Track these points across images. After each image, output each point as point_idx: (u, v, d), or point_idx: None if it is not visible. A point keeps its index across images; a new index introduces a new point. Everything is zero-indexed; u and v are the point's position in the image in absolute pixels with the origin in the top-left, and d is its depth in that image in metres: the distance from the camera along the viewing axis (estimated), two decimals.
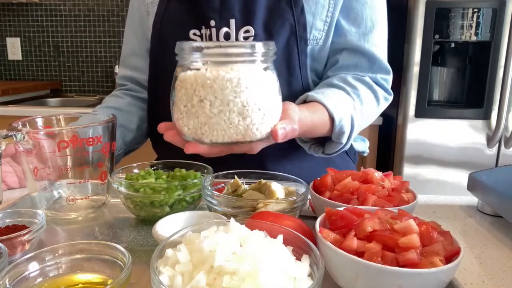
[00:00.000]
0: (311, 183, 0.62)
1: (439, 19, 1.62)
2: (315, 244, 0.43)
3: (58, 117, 0.71)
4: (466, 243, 0.59)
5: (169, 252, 0.41)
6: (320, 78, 0.86)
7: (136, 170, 0.71)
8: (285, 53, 0.79)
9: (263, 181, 0.62)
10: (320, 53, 0.82)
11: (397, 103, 1.77)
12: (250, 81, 0.50)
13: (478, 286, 0.48)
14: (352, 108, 0.76)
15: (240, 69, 0.50)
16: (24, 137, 0.59)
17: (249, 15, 0.78)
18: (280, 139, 0.55)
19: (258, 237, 0.42)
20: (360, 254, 0.41)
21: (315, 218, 0.50)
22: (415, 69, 1.68)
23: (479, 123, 1.71)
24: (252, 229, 0.44)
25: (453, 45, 1.73)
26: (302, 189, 0.62)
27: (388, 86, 0.86)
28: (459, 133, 1.72)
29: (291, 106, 0.61)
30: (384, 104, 0.86)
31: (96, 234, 0.61)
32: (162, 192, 0.61)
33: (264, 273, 0.36)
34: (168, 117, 0.60)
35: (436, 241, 0.43)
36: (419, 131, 1.73)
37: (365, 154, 1.02)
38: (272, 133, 0.54)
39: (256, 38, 0.78)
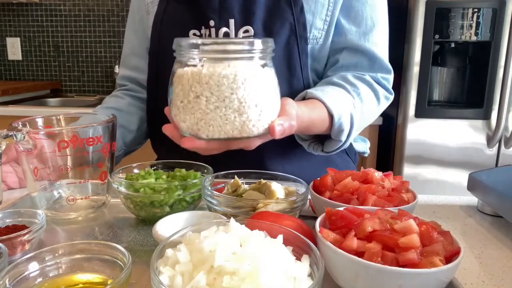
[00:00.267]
0: (311, 183, 0.62)
1: (439, 19, 1.62)
2: (315, 244, 0.43)
3: (58, 117, 0.72)
4: (466, 243, 0.59)
5: (169, 252, 0.41)
6: (321, 78, 0.86)
7: (136, 170, 0.71)
8: (286, 53, 0.79)
9: (263, 181, 0.62)
10: (320, 52, 0.82)
11: (397, 103, 1.77)
12: (247, 77, 0.50)
13: (478, 286, 0.48)
14: (351, 106, 0.76)
15: (237, 65, 0.50)
16: (24, 137, 0.59)
17: (249, 15, 0.78)
18: (278, 136, 0.54)
19: (258, 237, 0.42)
20: (360, 254, 0.41)
21: (315, 218, 0.50)
22: (415, 69, 1.68)
23: (479, 123, 1.71)
24: (252, 229, 0.44)
25: (453, 45, 1.73)
26: (302, 189, 0.62)
27: (389, 85, 0.86)
28: (459, 133, 1.72)
29: (289, 101, 0.61)
30: (384, 103, 0.85)
31: (96, 234, 0.61)
32: (162, 192, 0.61)
33: (264, 273, 0.36)
34: (167, 117, 0.60)
35: (436, 241, 0.43)
36: (419, 131, 1.73)
37: (366, 155, 1.02)
38: (270, 130, 0.54)
39: (255, 37, 0.78)
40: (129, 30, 0.95)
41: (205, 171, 0.70)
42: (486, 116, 1.70)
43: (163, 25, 0.84)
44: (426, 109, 1.71)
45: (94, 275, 0.46)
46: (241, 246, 0.41)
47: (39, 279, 0.44)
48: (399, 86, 1.75)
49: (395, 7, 1.76)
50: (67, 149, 0.62)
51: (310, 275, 0.41)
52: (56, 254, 0.45)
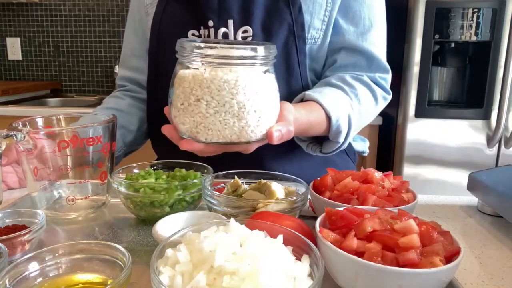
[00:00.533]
0: (311, 183, 0.62)
1: (439, 19, 1.62)
2: (315, 244, 0.43)
3: (58, 117, 0.72)
4: (466, 243, 0.59)
5: (169, 252, 0.41)
6: (319, 78, 0.86)
7: (136, 170, 0.71)
8: (284, 53, 0.79)
9: (263, 181, 0.62)
10: (318, 52, 0.82)
11: (397, 103, 1.77)
12: (248, 83, 0.50)
13: (478, 286, 0.48)
14: (349, 107, 0.76)
15: (239, 71, 0.50)
16: (24, 137, 0.59)
17: (247, 15, 0.78)
18: (276, 142, 0.55)
19: (258, 237, 0.42)
20: (360, 254, 0.41)
21: (315, 218, 0.50)
22: (415, 69, 1.68)
23: (479, 123, 1.70)
24: (252, 229, 0.44)
25: (453, 45, 1.73)
26: (302, 189, 0.62)
27: (387, 85, 0.86)
28: (459, 133, 1.72)
29: (287, 106, 0.61)
30: (382, 104, 0.86)
31: (96, 234, 0.61)
32: (162, 192, 0.61)
33: (264, 273, 0.36)
34: (167, 117, 0.60)
35: (436, 241, 0.43)
36: (419, 131, 1.73)
37: (365, 154, 1.02)
38: (268, 135, 0.54)
39: (254, 38, 0.78)
40: (129, 30, 0.95)
41: (205, 171, 0.70)
42: (486, 116, 1.70)
43: (162, 25, 0.84)
44: (426, 109, 1.71)
45: (94, 275, 0.46)
46: (241, 246, 0.41)
47: (39, 279, 0.44)
48: (399, 86, 1.75)
49: (395, 7, 1.76)
50: (67, 149, 0.62)
51: (310, 275, 0.41)
52: (56, 254, 0.45)
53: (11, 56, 2.52)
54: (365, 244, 0.42)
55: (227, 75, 0.50)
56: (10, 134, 0.58)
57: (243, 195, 0.61)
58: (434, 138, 1.73)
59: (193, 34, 0.81)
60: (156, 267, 0.40)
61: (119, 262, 0.45)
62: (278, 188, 0.60)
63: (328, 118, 0.71)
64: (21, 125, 0.64)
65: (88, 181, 0.66)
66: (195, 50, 0.51)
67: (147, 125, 0.94)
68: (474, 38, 1.64)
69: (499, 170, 0.77)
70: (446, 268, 0.39)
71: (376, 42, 0.83)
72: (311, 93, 0.72)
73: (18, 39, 2.49)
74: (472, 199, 0.74)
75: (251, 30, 0.78)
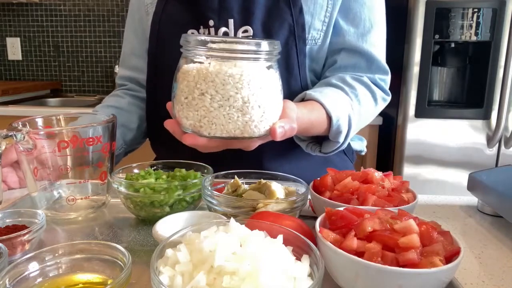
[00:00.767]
0: (311, 183, 0.62)
1: (439, 19, 1.62)
2: (315, 244, 0.43)
3: (58, 117, 0.72)
4: (466, 243, 0.59)
5: (169, 252, 0.41)
6: (319, 78, 0.86)
7: (136, 170, 0.71)
8: (284, 53, 0.79)
9: (263, 181, 0.62)
10: (318, 53, 0.82)
11: (397, 103, 1.77)
12: (252, 78, 0.50)
13: (478, 286, 0.48)
14: (349, 107, 0.76)
15: (244, 65, 0.50)
16: (24, 137, 0.59)
17: (248, 15, 0.78)
18: (279, 138, 0.55)
19: (258, 237, 0.42)
20: (360, 254, 0.41)
21: (315, 218, 0.50)
22: (415, 69, 1.68)
23: (479, 123, 1.71)
24: (252, 229, 0.44)
25: (453, 45, 1.73)
26: (302, 189, 0.62)
27: (386, 86, 0.86)
28: (459, 133, 1.72)
29: (289, 104, 0.61)
30: (382, 105, 0.86)
31: (96, 234, 0.61)
32: (162, 192, 0.61)
33: (264, 273, 0.36)
34: (167, 117, 0.60)
35: (436, 241, 0.43)
36: (419, 131, 1.73)
37: (363, 153, 1.03)
38: (271, 132, 0.54)
39: (254, 37, 0.78)
40: (129, 30, 0.95)
41: (205, 171, 0.70)
42: (486, 116, 1.70)
43: (161, 25, 0.84)
44: (426, 109, 1.71)
45: (94, 275, 0.46)
46: (241, 246, 0.41)
47: (39, 279, 0.44)
48: (399, 86, 1.75)
49: (395, 7, 1.76)
50: (67, 149, 0.62)
51: (310, 275, 0.41)
52: (56, 254, 0.45)
53: (11, 56, 2.52)
54: (365, 244, 0.42)
55: (232, 69, 0.50)
56: (10, 134, 0.58)
57: (243, 195, 0.61)
58: (434, 138, 1.73)
59: (192, 34, 0.81)
60: (156, 267, 0.40)
61: (119, 262, 0.45)
62: (278, 188, 0.60)
63: (329, 118, 0.72)
64: (21, 125, 0.64)
65: (88, 181, 0.66)
66: (200, 44, 0.51)
67: (146, 124, 0.94)
68: (474, 38, 1.64)
69: (499, 170, 0.77)
70: (446, 268, 0.39)
71: (376, 44, 0.83)
72: (312, 92, 0.72)
73: (18, 39, 2.49)
74: (472, 199, 0.74)
75: (251, 30, 0.78)
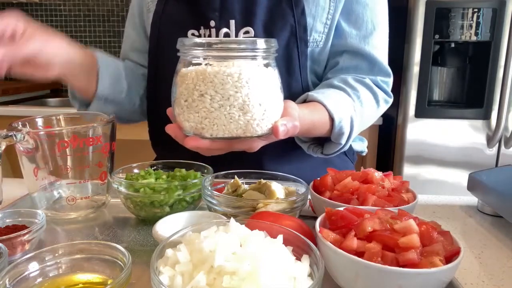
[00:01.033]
0: (311, 183, 0.62)
1: (439, 19, 1.62)
2: (315, 244, 0.43)
3: (58, 117, 0.72)
4: (466, 243, 0.59)
5: (169, 252, 0.41)
6: (320, 80, 0.86)
7: (136, 170, 0.71)
8: (285, 55, 0.79)
9: (263, 181, 0.62)
10: (320, 55, 0.82)
11: (397, 103, 1.77)
12: (251, 76, 0.50)
13: (478, 286, 0.48)
14: (352, 109, 0.76)
15: (242, 64, 0.50)
16: (24, 137, 0.59)
17: (249, 16, 0.78)
18: (281, 136, 0.54)
19: (258, 237, 0.43)
20: (360, 254, 0.41)
21: (315, 218, 0.50)
22: (415, 69, 1.68)
23: (479, 123, 1.71)
24: (252, 229, 0.44)
25: (453, 45, 1.73)
26: (302, 189, 0.62)
27: (388, 88, 0.86)
28: (459, 133, 1.72)
29: (291, 104, 0.61)
30: (384, 107, 0.85)
31: (96, 234, 0.61)
32: (162, 192, 0.61)
33: (264, 273, 0.36)
34: (167, 117, 0.60)
35: (436, 241, 0.43)
36: (419, 131, 1.73)
37: (364, 154, 1.03)
38: (273, 130, 0.54)
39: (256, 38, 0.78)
40: (129, 26, 0.95)
41: (205, 171, 0.70)
42: (486, 116, 1.70)
43: (161, 25, 0.84)
44: (426, 109, 1.71)
45: (94, 275, 0.46)
46: (241, 246, 0.41)
47: (39, 279, 0.44)
48: (399, 86, 1.75)
49: (395, 7, 1.76)
50: (67, 149, 0.62)
51: (310, 275, 0.41)
52: (56, 254, 0.45)
53: None
54: (365, 244, 0.42)
55: (231, 68, 0.50)
56: (10, 134, 0.58)
57: (243, 195, 0.61)
58: (434, 138, 1.73)
59: (192, 34, 0.81)
60: (156, 267, 0.40)
61: (119, 262, 0.45)
62: (278, 188, 0.60)
63: (331, 119, 0.71)
64: (21, 125, 0.64)
65: (88, 181, 0.66)
66: (197, 46, 0.51)
67: (148, 125, 0.94)
68: (474, 38, 1.64)
69: (499, 170, 0.77)
70: (446, 268, 0.39)
71: (379, 46, 0.83)
72: (314, 94, 0.72)
73: None
74: (472, 199, 0.74)
75: (253, 31, 0.78)
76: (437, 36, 1.64)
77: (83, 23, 2.46)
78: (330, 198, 0.57)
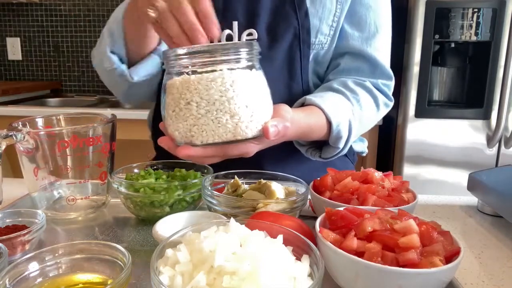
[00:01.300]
0: (311, 183, 0.62)
1: (439, 19, 1.62)
2: (315, 244, 0.43)
3: (58, 117, 0.72)
4: (466, 243, 0.59)
5: (169, 252, 0.41)
6: (322, 81, 0.86)
7: (136, 170, 0.71)
8: (287, 57, 0.79)
9: (263, 181, 0.62)
10: (324, 57, 0.82)
11: (397, 103, 1.77)
12: (235, 79, 0.51)
13: (478, 286, 0.48)
14: (350, 113, 0.75)
15: (224, 68, 0.51)
16: (24, 137, 0.59)
17: (253, 17, 0.77)
18: (272, 137, 0.54)
19: (258, 237, 0.43)
20: (360, 254, 0.41)
21: (315, 218, 0.50)
22: (415, 69, 1.68)
23: (479, 123, 1.71)
24: (252, 229, 0.44)
25: (453, 45, 1.73)
26: (302, 189, 0.62)
27: (390, 92, 0.85)
28: (459, 133, 1.72)
29: (284, 107, 0.61)
30: (384, 110, 0.85)
31: (96, 234, 0.61)
32: (162, 192, 0.61)
33: (264, 273, 0.36)
34: None
35: (436, 241, 0.43)
36: (419, 131, 1.73)
37: (364, 154, 1.03)
38: (264, 131, 0.53)
39: (259, 41, 0.77)
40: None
41: (205, 171, 0.70)
42: (486, 116, 1.70)
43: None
44: (426, 109, 1.71)
45: (94, 275, 0.46)
46: (241, 246, 0.41)
47: (39, 279, 0.44)
48: (399, 86, 1.75)
49: (395, 7, 1.76)
50: (67, 149, 0.62)
51: (310, 275, 0.41)
52: (56, 254, 0.45)
53: (11, 56, 2.52)
54: (365, 244, 0.42)
55: (213, 73, 0.50)
56: (10, 134, 0.58)
57: (243, 195, 0.61)
58: (434, 138, 1.73)
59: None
60: (156, 267, 0.40)
61: (119, 262, 0.45)
62: (278, 188, 0.60)
63: (329, 123, 0.71)
64: (21, 125, 0.64)
65: (88, 181, 0.66)
66: (178, 56, 0.52)
67: (152, 125, 0.93)
68: (474, 38, 1.64)
69: (499, 170, 0.77)
70: (446, 268, 0.39)
71: (381, 48, 0.82)
72: (312, 98, 0.72)
73: (18, 39, 2.49)
74: (472, 199, 0.74)
75: (256, 33, 0.77)
76: (437, 36, 1.64)
77: (83, 23, 2.46)
78: (330, 198, 0.57)
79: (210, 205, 0.59)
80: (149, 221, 0.63)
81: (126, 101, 0.94)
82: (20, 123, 0.65)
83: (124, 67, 0.77)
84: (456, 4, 1.60)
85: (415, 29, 1.64)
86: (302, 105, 0.73)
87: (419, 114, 1.71)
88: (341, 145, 0.75)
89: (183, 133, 0.52)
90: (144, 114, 1.22)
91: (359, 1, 0.80)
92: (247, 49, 0.53)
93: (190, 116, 0.51)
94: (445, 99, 1.85)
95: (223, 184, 0.66)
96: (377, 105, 0.82)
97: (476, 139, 1.72)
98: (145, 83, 0.81)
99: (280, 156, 0.84)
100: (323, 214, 0.49)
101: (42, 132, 0.63)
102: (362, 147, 1.01)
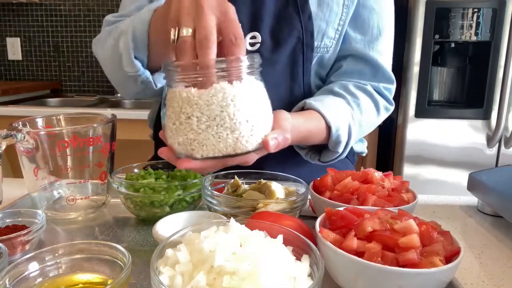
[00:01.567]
0: (311, 183, 0.62)
1: (439, 19, 1.62)
2: (315, 244, 0.43)
3: (58, 117, 0.72)
4: (466, 243, 0.59)
5: (169, 252, 0.41)
6: (324, 83, 0.85)
7: (136, 170, 0.71)
8: (290, 60, 0.78)
9: (263, 181, 0.62)
10: (328, 60, 0.82)
11: (397, 103, 1.77)
12: (236, 94, 0.50)
13: (478, 286, 0.48)
14: (350, 117, 0.75)
15: (225, 84, 0.50)
16: (24, 137, 0.59)
17: (256, 21, 0.77)
18: (272, 150, 0.54)
19: (258, 237, 0.43)
20: (360, 254, 0.41)
21: (315, 218, 0.50)
22: (415, 69, 1.68)
23: (479, 123, 1.71)
24: (252, 229, 0.44)
25: (453, 45, 1.73)
26: (302, 189, 0.62)
27: (391, 96, 0.85)
28: (459, 133, 1.72)
29: (283, 114, 0.60)
30: (384, 114, 0.85)
31: (96, 234, 0.61)
32: (162, 192, 0.61)
33: (264, 273, 0.36)
34: None
35: (436, 241, 0.43)
36: (419, 131, 1.73)
37: (364, 154, 1.03)
38: (264, 144, 0.54)
39: (262, 44, 0.77)
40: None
41: None
42: (486, 116, 1.70)
43: None
44: (426, 109, 1.71)
45: (94, 275, 0.46)
46: (241, 246, 0.41)
47: (39, 279, 0.44)
48: (399, 86, 1.75)
49: (395, 7, 1.76)
50: (67, 149, 0.62)
51: (310, 275, 0.41)
52: (56, 254, 0.45)
53: (11, 56, 2.52)
54: (365, 244, 0.42)
55: (214, 89, 0.50)
56: (10, 134, 0.58)
57: (243, 195, 0.61)
58: (434, 138, 1.73)
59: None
60: (156, 267, 0.40)
61: (119, 262, 0.45)
62: (278, 188, 0.60)
63: (328, 127, 0.71)
64: (21, 125, 0.64)
65: (88, 181, 0.66)
66: (179, 70, 0.51)
67: (153, 127, 0.92)
68: (474, 38, 1.64)
69: (499, 170, 0.77)
70: (446, 268, 0.39)
71: (383, 52, 0.82)
72: (312, 102, 0.72)
73: (18, 39, 2.49)
74: (472, 199, 0.74)
75: (260, 36, 0.77)
76: (437, 36, 1.64)
77: (83, 23, 2.46)
78: (330, 198, 0.57)
79: (210, 205, 0.59)
80: (149, 221, 0.63)
81: (130, 98, 0.93)
82: (20, 123, 0.65)
83: (148, 74, 0.75)
84: (456, 4, 1.60)
85: (415, 29, 1.64)
86: (302, 108, 0.73)
87: (419, 114, 1.71)
88: (340, 150, 0.75)
89: (184, 147, 0.52)
90: (144, 114, 1.23)
91: (363, 4, 0.80)
92: (248, 63, 0.52)
93: (191, 131, 0.51)
94: (445, 99, 1.85)
95: (223, 184, 0.66)
96: (378, 109, 0.82)
97: (476, 139, 1.72)
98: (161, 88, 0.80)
99: (280, 159, 0.84)
100: (323, 214, 0.49)
101: (42, 132, 0.63)
102: (361, 147, 1.01)
